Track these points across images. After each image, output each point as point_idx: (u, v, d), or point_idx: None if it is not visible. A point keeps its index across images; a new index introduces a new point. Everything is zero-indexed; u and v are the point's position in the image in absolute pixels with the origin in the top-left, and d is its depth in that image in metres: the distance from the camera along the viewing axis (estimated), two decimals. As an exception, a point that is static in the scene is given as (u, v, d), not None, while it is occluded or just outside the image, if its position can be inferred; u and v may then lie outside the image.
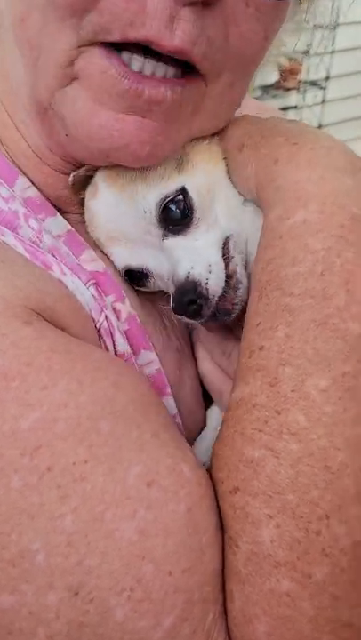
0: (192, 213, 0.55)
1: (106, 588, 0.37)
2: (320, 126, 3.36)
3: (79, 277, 0.54)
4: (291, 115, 3.28)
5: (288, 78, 3.06)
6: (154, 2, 0.45)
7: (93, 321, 0.54)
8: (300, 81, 3.10)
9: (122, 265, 0.58)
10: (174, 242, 0.55)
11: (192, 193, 0.56)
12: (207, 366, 0.64)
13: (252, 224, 0.57)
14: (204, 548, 0.40)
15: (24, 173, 0.58)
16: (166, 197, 0.55)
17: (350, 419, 0.40)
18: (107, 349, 0.54)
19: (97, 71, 0.49)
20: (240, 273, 0.56)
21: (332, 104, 3.35)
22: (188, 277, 0.53)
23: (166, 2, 0.45)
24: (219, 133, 0.59)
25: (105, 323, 0.55)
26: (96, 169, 0.58)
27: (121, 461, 0.41)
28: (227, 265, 0.56)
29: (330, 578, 0.38)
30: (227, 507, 0.42)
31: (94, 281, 0.55)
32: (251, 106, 0.89)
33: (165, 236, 0.56)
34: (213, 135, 0.59)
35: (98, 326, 0.54)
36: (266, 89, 3.03)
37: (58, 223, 0.57)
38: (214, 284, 0.54)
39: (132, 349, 0.57)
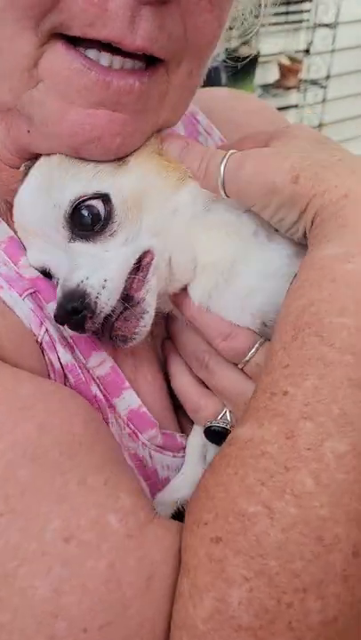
0: (108, 222, 0.51)
1: None
2: (320, 125, 3.36)
3: (16, 290, 0.52)
4: (291, 114, 3.28)
5: (289, 77, 3.06)
6: (115, 3, 0.46)
7: (35, 335, 0.52)
8: (300, 80, 3.10)
9: (33, 264, 0.54)
10: (82, 247, 0.51)
11: (116, 200, 0.51)
12: (183, 380, 0.60)
13: (184, 241, 0.53)
14: (129, 602, 0.39)
15: None
16: (81, 197, 0.50)
17: (359, 491, 0.38)
18: (50, 363, 0.52)
19: (62, 67, 0.49)
20: (148, 301, 0.52)
21: (333, 103, 3.35)
22: (78, 286, 0.49)
23: (127, 3, 0.46)
24: (158, 137, 0.57)
25: (46, 336, 0.52)
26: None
27: (38, 515, 0.40)
28: (136, 288, 0.51)
29: None
30: (203, 554, 0.39)
31: (32, 290, 0.53)
32: (253, 105, 0.89)
33: (72, 239, 0.51)
34: (155, 137, 0.56)
35: (39, 340, 0.52)
36: (266, 88, 3.04)
37: (0, 230, 0.56)
38: (104, 299, 0.49)
39: (82, 354, 0.55)
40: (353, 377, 0.39)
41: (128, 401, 0.55)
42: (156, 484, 0.56)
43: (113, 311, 0.50)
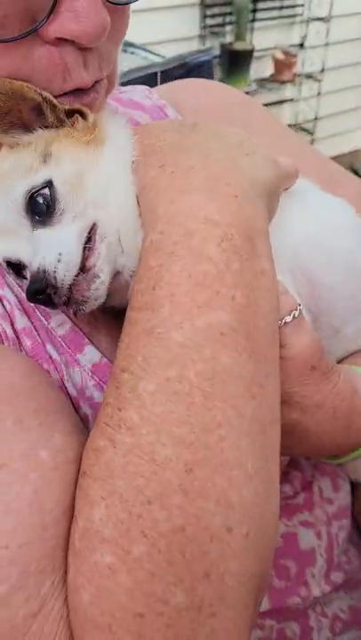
0: (55, 205, 0.55)
1: None
2: (316, 118, 3.38)
3: None
4: (287, 107, 3.30)
5: (283, 71, 3.07)
6: (70, 61, 0.53)
7: None
8: (295, 74, 3.12)
9: (3, 258, 0.58)
10: (42, 233, 0.55)
11: (57, 184, 0.56)
12: None
13: (126, 209, 0.57)
14: (47, 526, 0.44)
15: None
16: (32, 189, 0.55)
17: (176, 419, 0.44)
18: (4, 332, 0.57)
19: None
20: (99, 266, 0.55)
21: (328, 96, 3.37)
22: (39, 267, 0.53)
23: (78, 58, 0.54)
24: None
25: (0, 308, 0.59)
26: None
27: None
28: (87, 256, 0.55)
29: (147, 556, 0.41)
30: (77, 488, 0.46)
31: None
32: (216, 96, 0.89)
33: (35, 227, 0.56)
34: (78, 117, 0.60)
35: None
36: (261, 82, 3.05)
37: None
38: (62, 272, 0.53)
39: (43, 317, 0.60)
40: (146, 328, 0.47)
41: (90, 356, 0.60)
42: None
43: (77, 282, 0.54)
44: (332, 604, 0.69)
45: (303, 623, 0.67)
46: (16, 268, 0.58)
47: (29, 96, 0.54)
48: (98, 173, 0.58)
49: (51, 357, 0.59)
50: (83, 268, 0.55)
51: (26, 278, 0.57)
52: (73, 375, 0.60)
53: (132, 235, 0.56)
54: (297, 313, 0.54)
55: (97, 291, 0.55)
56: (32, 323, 0.60)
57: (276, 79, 3.09)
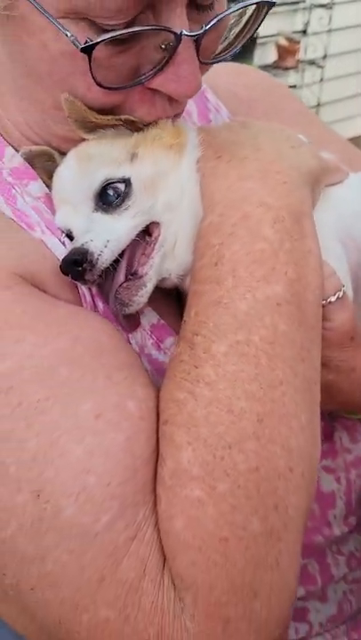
0: (124, 201, 0.61)
1: (59, 493, 0.48)
2: (318, 105, 3.41)
3: (55, 236, 0.63)
4: (290, 94, 3.32)
5: (286, 58, 3.11)
6: (158, 100, 0.60)
7: None
8: (298, 60, 3.15)
9: (58, 224, 0.64)
10: (100, 217, 0.61)
11: (134, 183, 0.61)
12: None
13: (192, 216, 0.62)
14: (138, 468, 0.51)
15: (9, 144, 0.67)
16: (110, 180, 0.61)
17: (247, 377, 0.52)
18: (83, 296, 0.63)
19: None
20: (149, 276, 0.61)
21: (331, 82, 3.40)
22: (83, 245, 0.59)
23: (165, 99, 0.60)
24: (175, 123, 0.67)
25: None
26: (50, 149, 0.66)
27: (74, 399, 0.52)
28: (141, 263, 0.61)
29: (229, 491, 0.49)
30: (160, 434, 0.53)
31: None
32: (252, 79, 0.95)
33: (96, 209, 0.62)
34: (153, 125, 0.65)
35: None
36: (265, 69, 3.08)
37: (38, 187, 0.66)
38: (105, 257, 0.59)
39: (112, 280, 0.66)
40: (213, 298, 0.55)
41: (149, 317, 0.67)
42: None
43: (114, 274, 0.60)
44: (348, 543, 0.76)
45: (321, 560, 0.74)
46: (68, 235, 0.64)
47: (112, 123, 0.61)
48: (176, 177, 0.63)
49: (117, 318, 0.65)
50: (135, 273, 0.61)
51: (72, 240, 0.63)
52: (135, 334, 0.66)
53: (188, 241, 0.62)
54: (341, 293, 0.61)
55: (141, 297, 0.61)
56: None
57: (278, 66, 3.12)
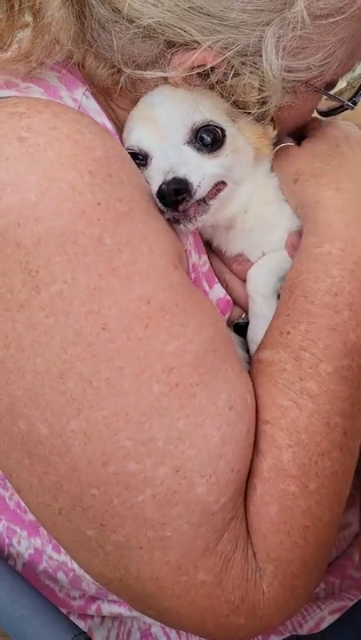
0: (215, 146, 0.68)
1: (196, 472, 0.57)
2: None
3: None
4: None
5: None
6: None
7: (182, 244, 0.71)
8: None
9: (132, 142, 0.70)
10: (190, 152, 0.68)
11: (228, 139, 0.69)
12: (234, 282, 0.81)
13: (247, 192, 0.73)
14: (249, 457, 0.61)
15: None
16: (213, 123, 0.68)
17: (343, 396, 0.63)
18: (188, 265, 0.70)
19: None
20: (214, 206, 0.70)
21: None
22: (184, 176, 0.65)
23: None
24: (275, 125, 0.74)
25: (188, 244, 0.72)
26: None
27: (215, 388, 0.59)
28: (210, 196, 0.69)
29: (316, 490, 0.61)
30: (259, 431, 0.62)
31: None
32: None
33: (187, 143, 0.68)
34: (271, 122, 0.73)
35: (186, 248, 0.71)
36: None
37: None
38: (200, 191, 0.66)
39: (198, 254, 0.74)
40: (330, 324, 0.64)
41: (216, 292, 0.75)
42: None
43: (194, 202, 0.67)
44: None
45: None
46: (135, 156, 0.68)
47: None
48: (256, 163, 0.73)
49: (205, 291, 0.73)
50: (205, 199, 0.68)
51: (144, 166, 0.68)
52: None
53: (235, 205, 0.73)
54: None
55: (202, 219, 0.68)
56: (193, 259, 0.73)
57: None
